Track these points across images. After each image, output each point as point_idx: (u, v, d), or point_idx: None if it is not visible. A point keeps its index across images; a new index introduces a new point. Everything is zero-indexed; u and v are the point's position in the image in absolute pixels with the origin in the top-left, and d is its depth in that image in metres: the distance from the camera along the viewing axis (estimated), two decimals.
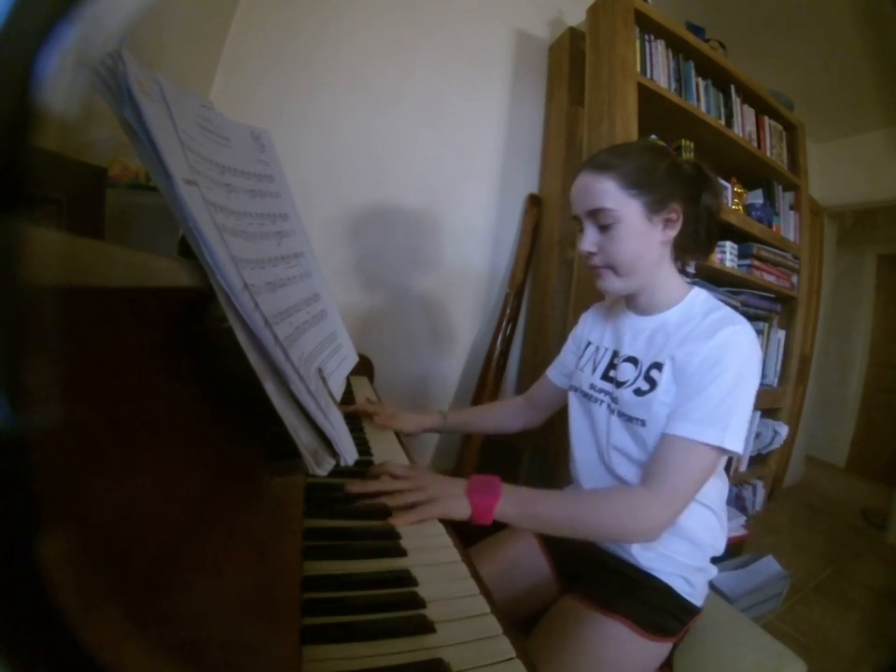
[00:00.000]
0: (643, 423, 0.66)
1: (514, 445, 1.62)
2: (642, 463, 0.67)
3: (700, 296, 0.71)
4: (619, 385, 0.71)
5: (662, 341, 0.69)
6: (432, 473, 0.64)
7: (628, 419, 0.68)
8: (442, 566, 0.50)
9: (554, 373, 0.93)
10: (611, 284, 0.70)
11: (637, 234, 0.66)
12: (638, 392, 0.67)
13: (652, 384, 0.66)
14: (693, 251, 0.74)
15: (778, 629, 1.50)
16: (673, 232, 0.68)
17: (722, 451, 0.59)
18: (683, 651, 0.72)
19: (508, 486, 0.61)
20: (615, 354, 0.76)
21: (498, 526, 0.88)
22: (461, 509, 0.59)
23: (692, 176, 0.70)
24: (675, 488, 0.59)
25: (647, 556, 0.69)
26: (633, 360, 0.71)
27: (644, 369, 0.69)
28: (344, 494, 0.58)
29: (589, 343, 0.84)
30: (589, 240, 0.68)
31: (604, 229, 0.67)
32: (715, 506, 0.71)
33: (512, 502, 0.60)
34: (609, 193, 0.65)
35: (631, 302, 0.76)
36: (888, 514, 2.32)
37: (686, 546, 0.69)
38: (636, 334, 0.74)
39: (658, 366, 0.67)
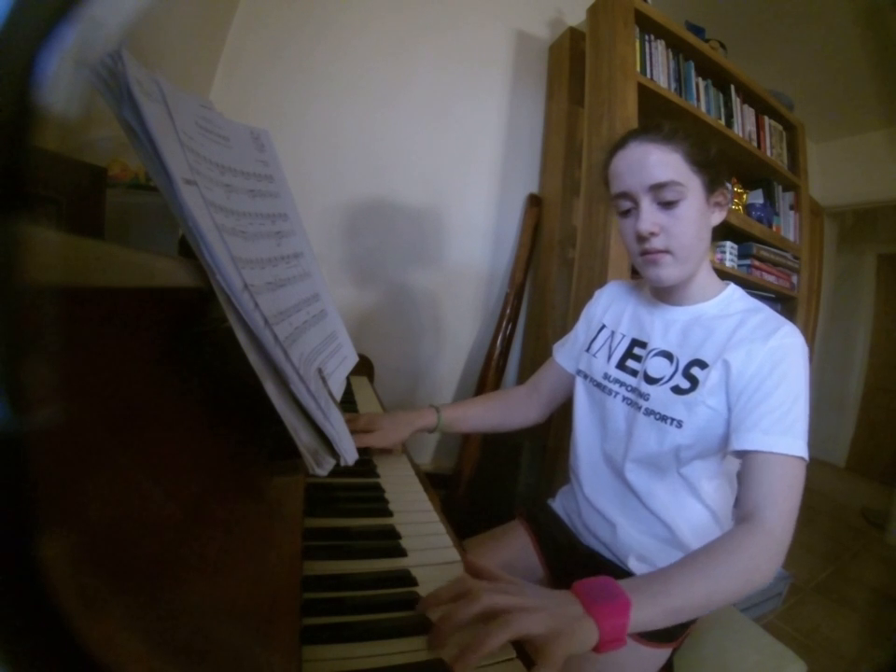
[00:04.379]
0: (679, 424, 0.61)
1: (514, 443, 1.63)
2: (657, 465, 0.64)
3: (737, 292, 0.67)
4: (652, 380, 0.65)
5: (700, 335, 0.63)
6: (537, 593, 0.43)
7: (661, 418, 0.63)
8: (443, 566, 0.49)
9: (563, 356, 0.84)
10: (670, 271, 0.62)
11: (701, 214, 0.61)
12: (677, 390, 0.62)
13: (694, 382, 0.61)
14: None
15: (778, 629, 1.50)
16: (722, 216, 0.64)
17: (800, 459, 0.54)
18: (684, 652, 0.72)
19: (627, 583, 0.45)
20: (634, 342, 0.71)
21: (491, 522, 0.86)
22: (588, 637, 0.39)
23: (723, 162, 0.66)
24: (786, 515, 0.52)
25: (642, 568, 0.67)
26: (667, 355, 0.66)
27: (682, 365, 0.63)
28: (344, 494, 0.58)
29: (604, 326, 0.77)
30: (650, 219, 0.60)
31: (667, 206, 0.60)
32: (721, 513, 0.67)
33: (646, 604, 0.43)
34: (677, 166, 0.59)
35: (661, 290, 0.69)
36: (888, 514, 2.32)
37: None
38: (667, 326, 0.68)
39: (700, 363, 0.61)
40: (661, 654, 0.66)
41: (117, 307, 0.32)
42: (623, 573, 0.68)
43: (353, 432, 0.65)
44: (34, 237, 0.19)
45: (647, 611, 0.43)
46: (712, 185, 0.62)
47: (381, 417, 0.75)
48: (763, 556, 0.50)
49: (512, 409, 0.87)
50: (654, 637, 0.64)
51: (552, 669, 0.36)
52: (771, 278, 1.71)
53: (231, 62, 1.24)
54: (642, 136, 0.61)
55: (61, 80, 0.19)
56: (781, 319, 0.61)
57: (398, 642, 0.37)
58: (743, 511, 0.54)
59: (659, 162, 0.59)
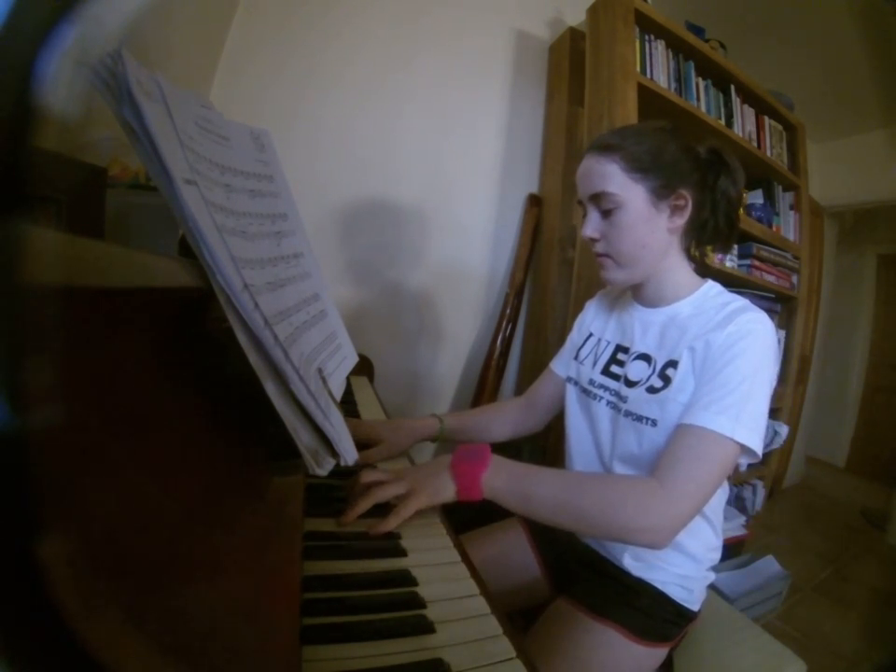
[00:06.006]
0: (654, 423, 0.62)
1: (513, 444, 1.63)
2: (647, 468, 0.64)
3: (714, 289, 0.68)
4: (631, 384, 0.67)
5: (675, 335, 0.64)
6: (416, 466, 0.61)
7: (637, 418, 0.64)
8: (442, 566, 0.50)
9: (560, 366, 0.86)
10: (613, 274, 0.67)
11: (641, 221, 0.63)
12: (651, 390, 0.63)
13: (667, 381, 0.62)
14: (711, 241, 0.71)
15: (778, 629, 1.50)
16: (681, 220, 0.64)
17: (737, 444, 0.54)
18: (683, 651, 0.72)
19: (498, 456, 0.57)
20: (618, 348, 0.73)
21: (488, 516, 0.85)
22: (445, 488, 0.55)
23: (707, 161, 0.66)
24: (688, 481, 0.53)
25: (637, 566, 0.66)
26: (645, 357, 0.67)
27: (659, 367, 0.64)
28: (344, 494, 0.58)
29: (591, 335, 0.80)
30: (591, 225, 0.65)
31: (606, 214, 0.64)
32: (714, 516, 0.68)
33: (503, 474, 0.56)
34: (612, 177, 0.62)
35: (637, 293, 0.72)
36: (888, 514, 2.32)
37: (680, 558, 0.67)
38: (645, 328, 0.69)
39: (674, 364, 0.62)
40: (656, 654, 0.66)
41: (117, 307, 0.32)
42: (620, 571, 0.68)
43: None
44: (34, 237, 0.19)
45: (497, 480, 0.55)
46: (663, 189, 0.62)
47: (382, 428, 0.75)
48: (651, 504, 0.52)
49: (508, 420, 0.90)
50: (649, 636, 0.64)
51: (393, 521, 0.52)
52: (771, 278, 1.72)
53: (231, 61, 1.24)
54: (591, 148, 0.65)
55: (61, 80, 0.19)
56: (751, 309, 0.61)
57: (398, 642, 0.37)
58: (654, 468, 0.56)
59: (596, 174, 0.63)
